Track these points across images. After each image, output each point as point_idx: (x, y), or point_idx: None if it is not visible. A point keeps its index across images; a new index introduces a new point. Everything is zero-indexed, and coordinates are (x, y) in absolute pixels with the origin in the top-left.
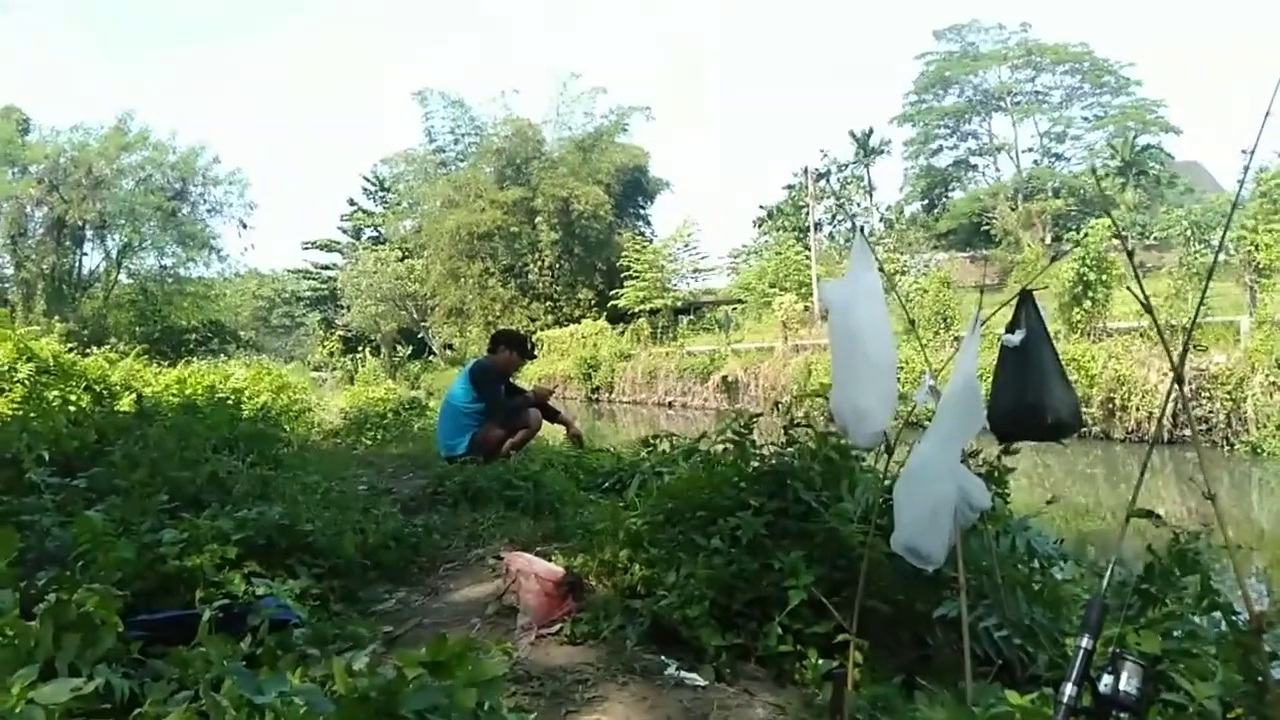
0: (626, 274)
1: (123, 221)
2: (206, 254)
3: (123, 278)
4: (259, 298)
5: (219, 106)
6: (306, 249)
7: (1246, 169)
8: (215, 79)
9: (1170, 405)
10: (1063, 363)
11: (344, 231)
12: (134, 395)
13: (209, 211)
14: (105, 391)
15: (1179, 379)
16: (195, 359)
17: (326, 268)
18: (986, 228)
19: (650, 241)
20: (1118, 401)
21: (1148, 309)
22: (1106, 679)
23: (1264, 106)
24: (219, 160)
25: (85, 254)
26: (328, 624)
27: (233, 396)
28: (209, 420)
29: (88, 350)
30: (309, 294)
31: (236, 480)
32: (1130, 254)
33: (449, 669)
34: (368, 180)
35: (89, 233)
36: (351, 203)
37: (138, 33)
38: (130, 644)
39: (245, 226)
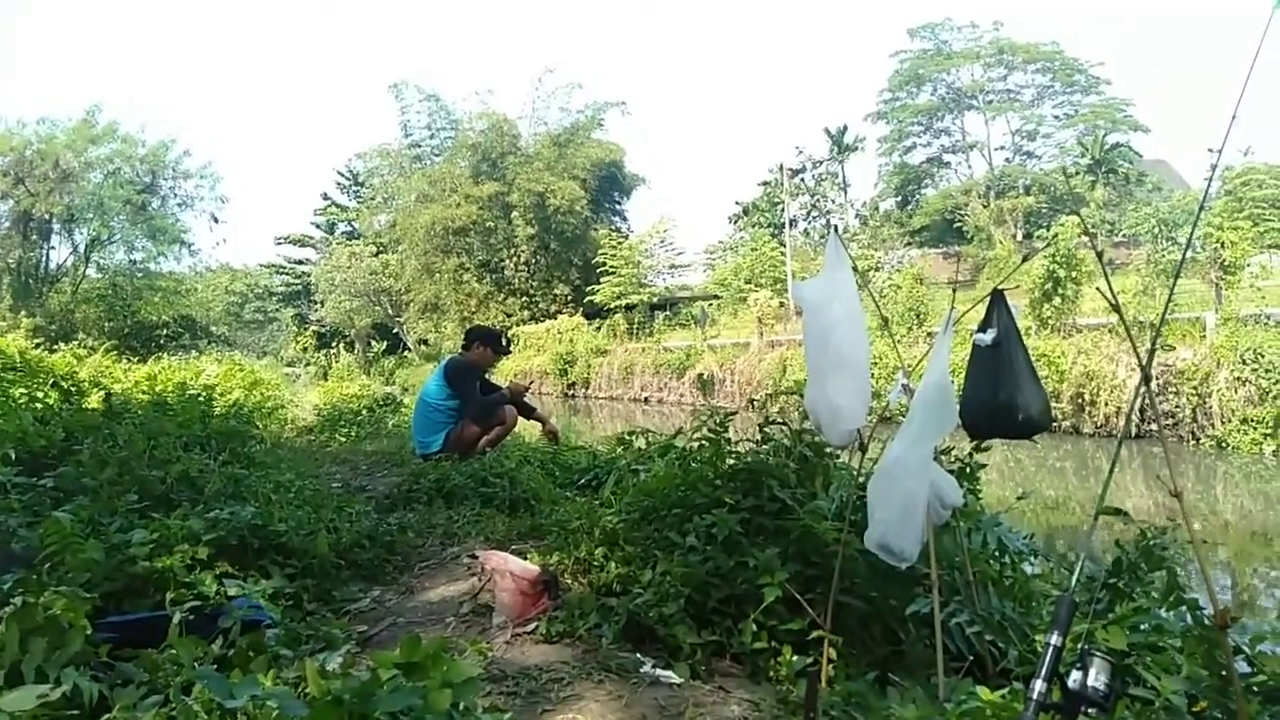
0: (603, 269)
1: (91, 215)
2: (177, 248)
3: (91, 272)
4: (231, 293)
5: (190, 99)
6: (279, 243)
7: (1214, 167)
8: (187, 71)
9: (1139, 401)
10: (1033, 359)
11: (317, 226)
12: (103, 392)
13: (180, 205)
14: (73, 388)
15: (1146, 378)
16: (166, 355)
17: (300, 262)
18: (959, 224)
19: (626, 237)
20: (1087, 397)
21: (1117, 311)
22: (1075, 675)
23: (1227, 104)
24: (190, 154)
25: (52, 248)
26: (301, 624)
27: (204, 393)
28: (180, 418)
29: (55, 346)
30: (282, 289)
31: (208, 479)
32: (1100, 255)
33: (423, 670)
34: (341, 174)
35: (56, 226)
36: (325, 197)
37: (107, 26)
38: (99, 647)
39: (217, 221)
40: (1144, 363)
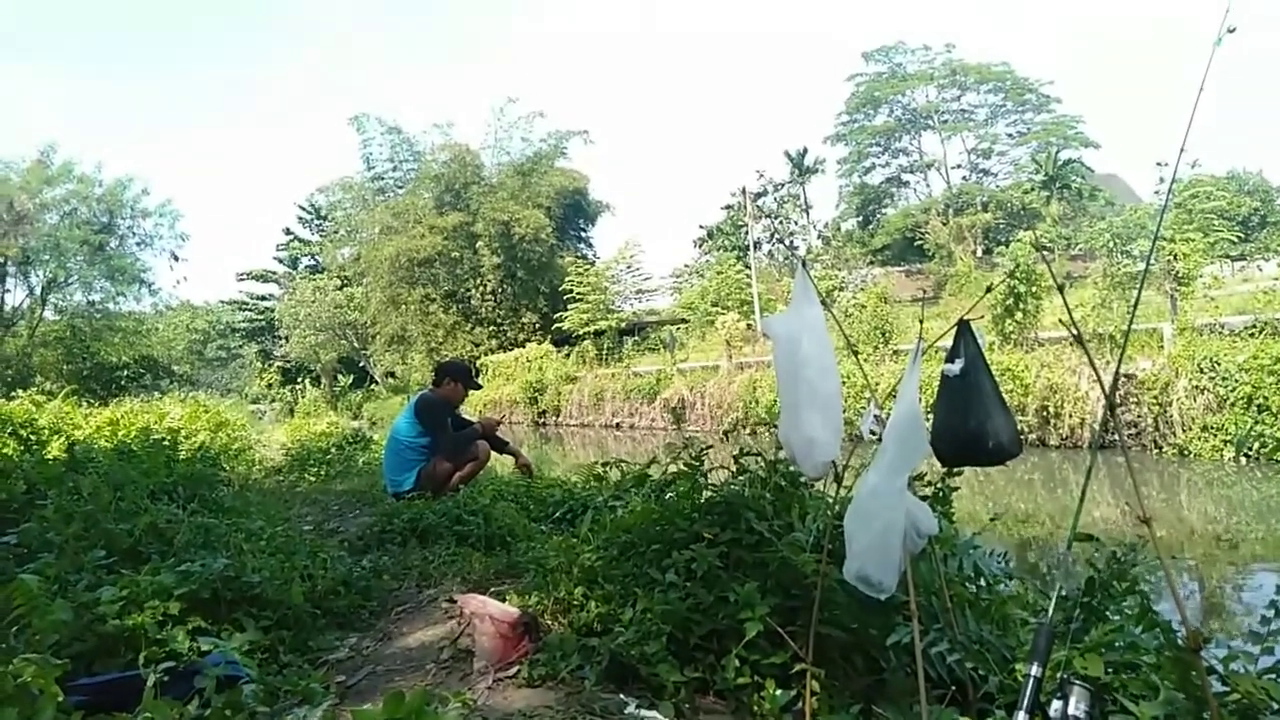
0: (570, 296)
1: (47, 257)
2: (137, 288)
3: (48, 314)
4: (193, 331)
5: (147, 137)
6: (242, 279)
7: (1172, 182)
8: (143, 109)
9: (1112, 415)
10: (998, 373)
11: (280, 261)
12: (65, 441)
13: (139, 244)
14: (33, 437)
15: (1111, 406)
16: (128, 396)
17: (263, 298)
18: (920, 242)
19: (593, 264)
20: (1052, 409)
21: (1080, 342)
22: (1056, 704)
23: (1174, 116)
24: (148, 192)
25: (8, 290)
26: (278, 678)
27: (169, 437)
28: (145, 465)
29: (12, 393)
30: (245, 325)
31: (177, 530)
32: (1061, 288)
33: None
34: (303, 209)
35: (11, 269)
36: (288, 232)
37: (63, 64)
38: (71, 713)
39: (177, 259)
40: (1108, 383)
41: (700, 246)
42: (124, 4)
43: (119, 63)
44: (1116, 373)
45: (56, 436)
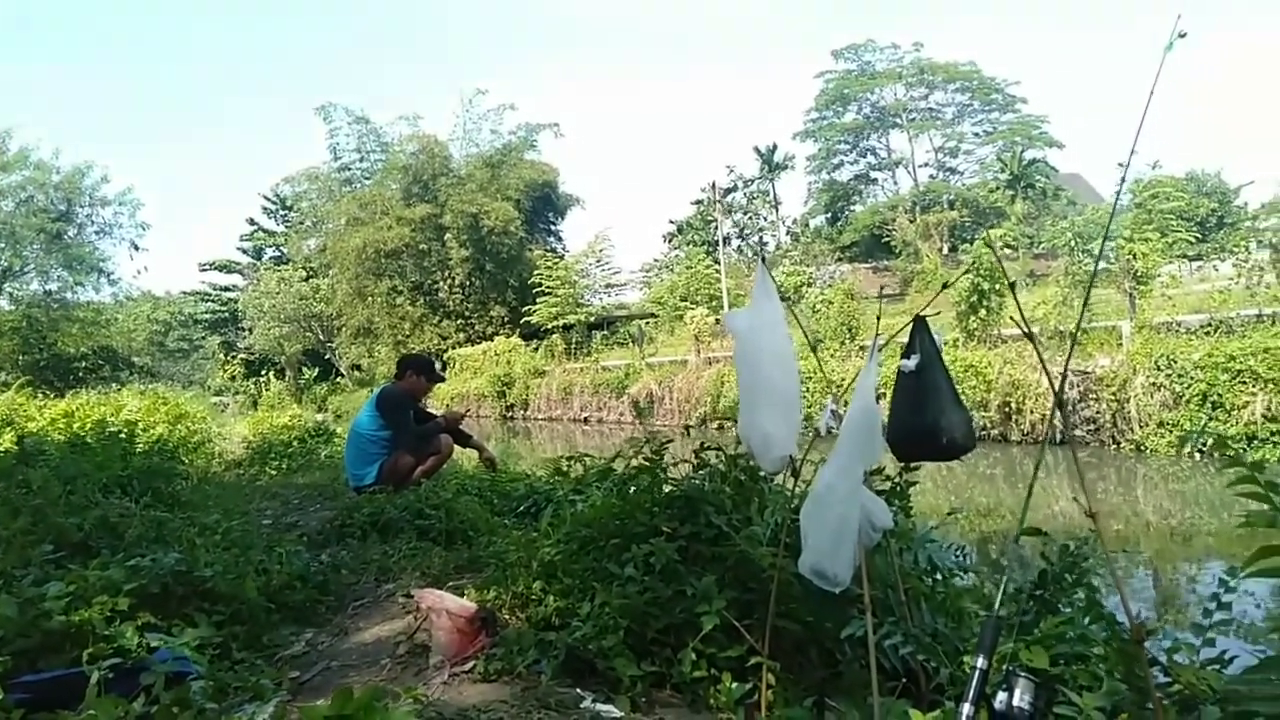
0: (539, 290)
1: (2, 245)
2: (96, 278)
3: (3, 304)
4: (154, 321)
5: (107, 124)
6: (204, 270)
7: (1121, 184)
8: (103, 95)
9: (1061, 412)
10: (962, 370)
11: (244, 252)
12: (15, 434)
13: (97, 233)
14: None
15: (1060, 404)
16: (85, 388)
17: (226, 289)
18: (887, 239)
19: (562, 257)
20: (1014, 405)
21: (1032, 340)
22: (1001, 696)
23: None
24: (108, 179)
25: None
26: (229, 674)
27: (125, 430)
28: (99, 458)
29: None
30: (208, 316)
31: (129, 524)
32: (1013, 286)
33: None
34: (268, 199)
35: None
36: (252, 222)
37: (18, 49)
38: (11, 711)
39: (137, 248)
40: (1057, 383)
41: (670, 241)
42: None
43: (75, 50)
44: (1065, 370)
45: (8, 429)
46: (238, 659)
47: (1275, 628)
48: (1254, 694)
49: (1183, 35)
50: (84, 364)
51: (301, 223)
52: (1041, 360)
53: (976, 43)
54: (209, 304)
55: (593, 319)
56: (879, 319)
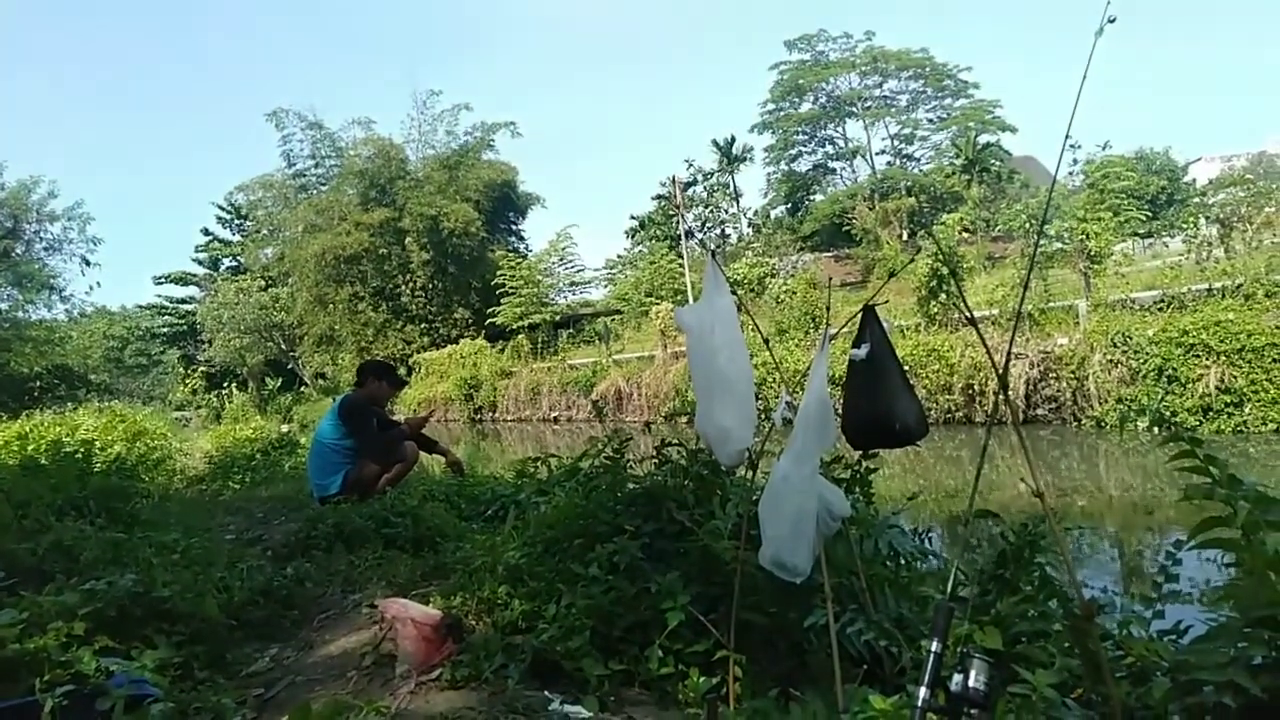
0: (503, 290)
1: None
2: (47, 295)
3: None
4: (110, 338)
5: (50, 137)
6: (160, 283)
7: (1057, 169)
8: (50, 108)
9: (1005, 393)
10: (925, 354)
11: (200, 263)
12: None
13: (46, 250)
14: None
15: (1004, 385)
16: (41, 409)
17: (183, 301)
18: (847, 228)
19: (525, 257)
20: (977, 387)
21: (973, 324)
22: (957, 678)
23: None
24: (55, 194)
25: None
26: (191, 694)
27: (81, 450)
28: (54, 480)
29: None
30: (165, 330)
31: (85, 546)
32: (953, 271)
33: None
34: (222, 209)
35: None
36: (206, 232)
37: None
38: None
39: (89, 264)
40: (1001, 365)
41: (633, 237)
42: None
43: (10, 64)
44: (1009, 351)
45: None
46: (200, 679)
47: (1224, 596)
48: (1202, 663)
49: (1112, 20)
50: (39, 384)
51: (258, 231)
52: (983, 341)
53: (927, 30)
54: (166, 318)
55: (558, 318)
56: (828, 309)
